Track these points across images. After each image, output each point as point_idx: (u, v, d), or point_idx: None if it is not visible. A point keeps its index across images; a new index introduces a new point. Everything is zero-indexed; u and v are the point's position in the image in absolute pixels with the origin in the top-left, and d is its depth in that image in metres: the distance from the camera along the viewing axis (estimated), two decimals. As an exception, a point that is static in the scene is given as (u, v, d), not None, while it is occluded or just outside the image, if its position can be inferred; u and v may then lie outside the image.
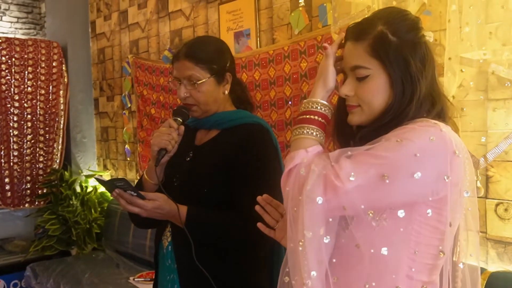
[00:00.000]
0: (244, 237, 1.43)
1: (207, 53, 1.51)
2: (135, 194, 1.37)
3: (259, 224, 1.22)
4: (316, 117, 1.07)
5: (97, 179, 1.44)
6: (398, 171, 0.94)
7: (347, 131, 1.14)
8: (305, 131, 1.06)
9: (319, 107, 1.08)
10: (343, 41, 1.10)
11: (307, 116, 1.08)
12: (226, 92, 1.55)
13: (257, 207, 1.22)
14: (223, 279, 1.44)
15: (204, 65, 1.49)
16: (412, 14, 1.09)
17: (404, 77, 1.02)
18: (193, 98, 1.51)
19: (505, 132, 1.82)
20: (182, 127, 1.49)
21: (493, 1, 1.76)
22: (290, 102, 2.71)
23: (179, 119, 1.50)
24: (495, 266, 1.90)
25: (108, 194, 4.44)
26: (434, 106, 1.06)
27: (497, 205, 1.89)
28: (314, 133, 1.06)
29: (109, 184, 1.38)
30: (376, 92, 1.04)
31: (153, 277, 1.67)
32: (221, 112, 1.56)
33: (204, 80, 1.49)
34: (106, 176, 4.55)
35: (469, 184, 1.02)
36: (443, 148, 0.96)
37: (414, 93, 1.02)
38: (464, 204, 1.02)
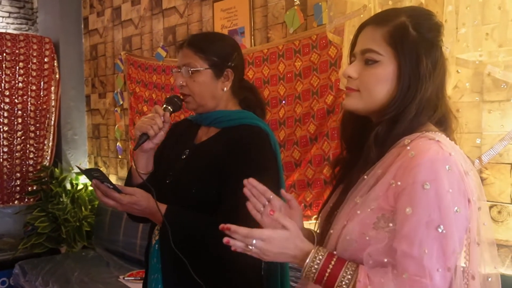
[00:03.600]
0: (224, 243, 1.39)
1: (210, 45, 1.49)
2: (111, 186, 1.34)
3: (247, 203, 1.12)
4: (330, 268, 0.98)
5: (78, 168, 1.42)
6: (445, 215, 0.91)
7: (355, 131, 1.13)
8: (344, 284, 0.97)
9: (317, 261, 0.99)
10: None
11: (327, 275, 0.98)
12: (225, 89, 1.51)
13: (245, 190, 1.12)
14: (206, 279, 1.40)
15: (204, 55, 1.47)
16: (436, 17, 1.08)
17: (413, 73, 1.01)
18: (188, 88, 1.49)
19: (500, 134, 1.81)
20: (168, 114, 1.46)
21: (490, 2, 1.75)
22: (284, 101, 2.69)
23: (168, 107, 1.48)
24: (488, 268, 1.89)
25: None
26: (435, 113, 1.04)
27: (490, 207, 1.88)
28: (346, 277, 0.97)
29: (88, 174, 1.36)
30: (381, 80, 1.03)
31: (143, 276, 1.64)
32: (222, 110, 1.53)
33: (200, 69, 1.47)
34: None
35: (481, 197, 1.02)
36: (459, 173, 0.95)
37: (418, 91, 1.01)
38: (479, 217, 1.01)
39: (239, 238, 0.99)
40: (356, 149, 1.12)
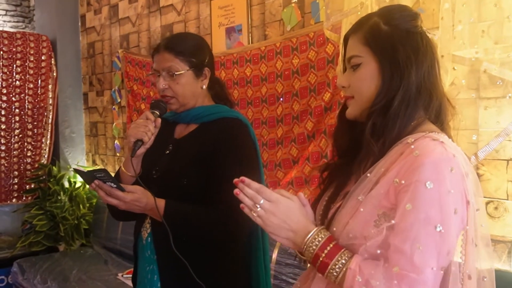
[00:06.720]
0: (221, 230, 1.44)
1: (187, 46, 1.55)
2: (114, 185, 1.36)
3: (242, 205, 1.09)
4: (326, 250, 1.01)
5: (76, 170, 1.44)
6: (445, 215, 0.93)
7: (350, 139, 1.14)
8: (337, 268, 0.99)
9: (316, 242, 1.02)
10: None
11: (322, 257, 1.00)
12: (204, 86, 1.59)
13: (235, 191, 1.08)
14: (202, 268, 1.45)
15: (183, 57, 1.53)
16: (411, 9, 1.12)
17: (392, 63, 1.04)
18: (172, 90, 1.54)
19: (496, 131, 1.82)
20: (159, 120, 1.52)
21: (486, -1, 1.76)
22: (281, 99, 2.70)
23: (156, 112, 1.53)
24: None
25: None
26: (432, 101, 1.05)
27: (487, 203, 1.90)
28: (340, 261, 0.99)
29: (89, 175, 1.37)
30: (366, 79, 1.06)
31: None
32: (200, 107, 1.59)
33: (182, 72, 1.53)
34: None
35: (480, 199, 1.03)
36: (461, 175, 0.96)
37: (403, 78, 1.03)
38: (476, 219, 1.01)
39: (250, 193, 1.02)
40: (349, 156, 1.14)
